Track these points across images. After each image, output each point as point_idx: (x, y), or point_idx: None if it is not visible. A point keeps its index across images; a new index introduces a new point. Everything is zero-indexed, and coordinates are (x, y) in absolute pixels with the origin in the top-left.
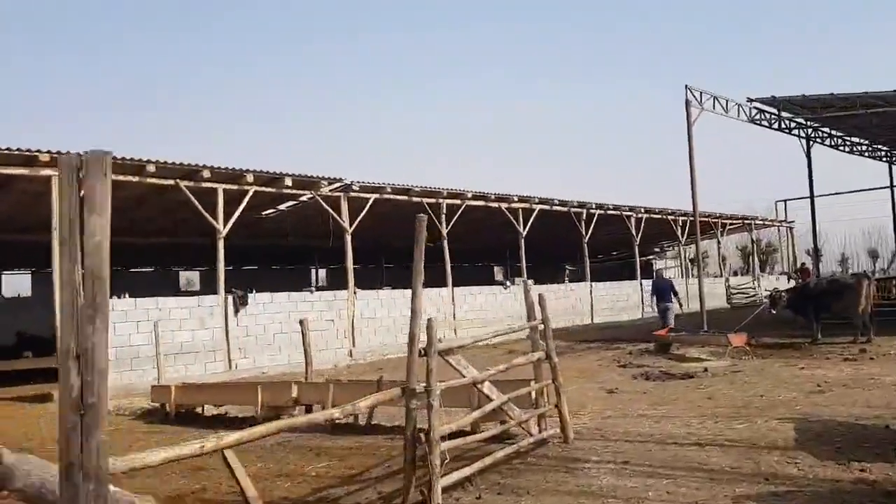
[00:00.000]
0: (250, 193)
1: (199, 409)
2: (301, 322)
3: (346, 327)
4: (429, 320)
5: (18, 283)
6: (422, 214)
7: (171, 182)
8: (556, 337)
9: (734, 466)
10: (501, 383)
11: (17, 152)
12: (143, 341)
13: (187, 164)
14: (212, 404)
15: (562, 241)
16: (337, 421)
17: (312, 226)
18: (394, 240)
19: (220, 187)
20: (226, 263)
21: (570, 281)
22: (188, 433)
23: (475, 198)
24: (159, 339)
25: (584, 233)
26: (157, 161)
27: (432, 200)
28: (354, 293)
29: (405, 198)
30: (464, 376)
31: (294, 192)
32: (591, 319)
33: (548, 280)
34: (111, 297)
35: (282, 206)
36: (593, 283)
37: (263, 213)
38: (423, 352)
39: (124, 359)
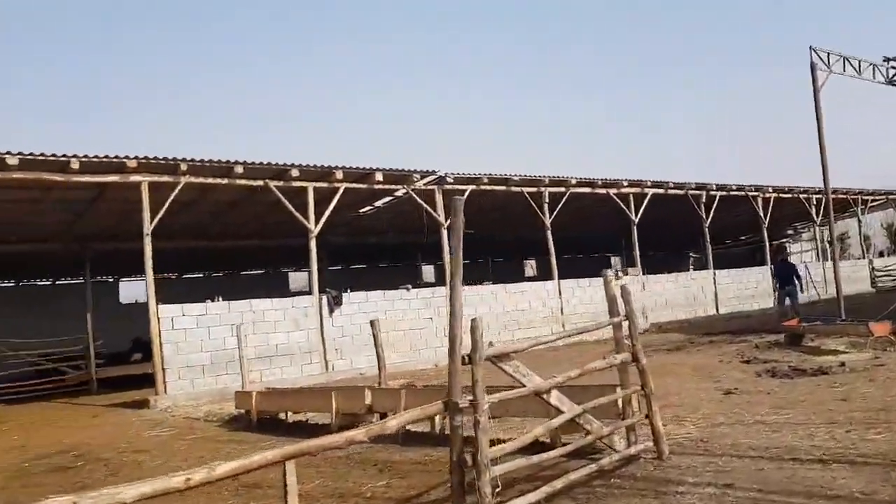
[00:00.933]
0: (341, 191)
1: (282, 416)
2: (372, 322)
3: (445, 325)
4: (473, 321)
5: (137, 290)
6: (458, 196)
7: (261, 183)
8: (674, 330)
9: (867, 492)
10: (581, 390)
11: (105, 159)
12: (238, 343)
13: (275, 164)
14: (291, 411)
15: (682, 227)
16: (409, 430)
17: (410, 221)
18: (497, 232)
19: (311, 186)
20: (328, 263)
21: (696, 269)
22: (264, 442)
23: (580, 184)
24: (243, 342)
25: (704, 217)
26: (244, 162)
27: (533, 189)
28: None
29: (504, 188)
30: (524, 385)
31: (386, 187)
32: (716, 309)
33: (670, 268)
34: (205, 300)
35: (378, 203)
36: (717, 271)
37: (360, 210)
38: (467, 358)
39: (220, 362)
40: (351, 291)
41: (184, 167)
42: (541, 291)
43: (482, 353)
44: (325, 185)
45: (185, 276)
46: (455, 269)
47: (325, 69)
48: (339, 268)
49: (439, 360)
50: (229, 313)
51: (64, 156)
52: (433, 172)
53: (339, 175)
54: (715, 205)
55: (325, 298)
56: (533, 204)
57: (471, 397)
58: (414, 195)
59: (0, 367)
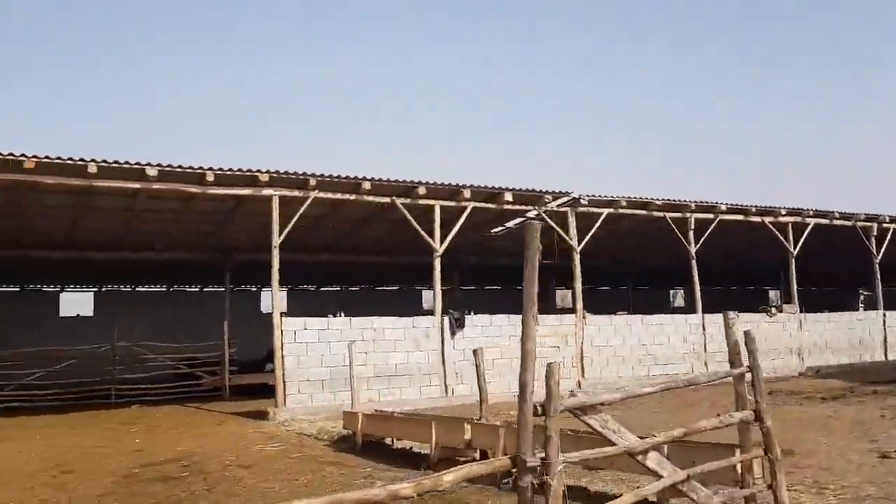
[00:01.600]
0: (468, 210)
1: (388, 440)
2: (475, 352)
3: (573, 355)
4: (548, 366)
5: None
6: (535, 222)
7: (388, 200)
8: (834, 375)
9: None
10: (691, 449)
11: (239, 173)
12: (357, 361)
13: (402, 181)
14: (394, 437)
15: (849, 261)
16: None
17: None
18: (637, 258)
19: (437, 204)
20: (460, 282)
21: (865, 308)
22: (362, 469)
23: (731, 211)
24: (359, 360)
25: (874, 251)
26: (372, 178)
27: (677, 215)
28: (583, 317)
29: (644, 212)
30: (613, 443)
31: (516, 207)
32: (885, 355)
33: (834, 307)
34: (339, 313)
35: (509, 224)
36: (887, 312)
37: (492, 230)
38: (539, 408)
39: (338, 378)
40: (474, 314)
41: (313, 182)
42: (682, 325)
43: (558, 404)
44: (452, 203)
45: (322, 289)
46: (528, 303)
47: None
48: (473, 288)
49: (565, 393)
50: (350, 329)
51: (200, 168)
52: (566, 193)
53: (467, 194)
54: (888, 238)
55: (447, 320)
56: (676, 230)
57: (543, 455)
58: (545, 217)
59: (143, 369)
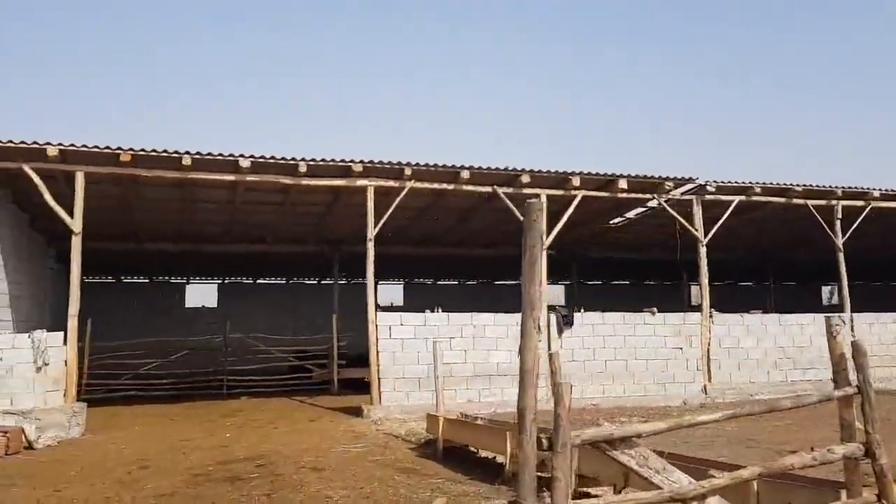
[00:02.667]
0: (577, 199)
1: (473, 447)
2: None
3: (698, 357)
4: (556, 386)
5: (394, 294)
6: (534, 200)
7: (489, 189)
8: None
9: None
10: (784, 488)
11: (333, 163)
12: (456, 359)
13: (503, 169)
14: (471, 444)
15: None
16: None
17: (666, 236)
18: (777, 251)
19: (543, 193)
20: (579, 277)
21: None
22: (435, 479)
23: (886, 197)
24: (439, 358)
25: None
26: (470, 167)
27: (821, 202)
28: (710, 316)
29: (782, 199)
30: (655, 485)
31: (632, 196)
32: None
33: None
34: (425, 310)
35: (630, 214)
36: None
37: (611, 222)
38: (546, 443)
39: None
40: (584, 311)
41: (408, 172)
42: (816, 328)
43: (568, 437)
44: (559, 192)
45: (439, 283)
46: (526, 306)
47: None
48: (595, 283)
49: (689, 398)
50: (448, 325)
51: (293, 159)
52: (690, 180)
53: (576, 181)
54: None
55: (553, 317)
56: (820, 219)
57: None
58: (665, 205)
59: (256, 361)
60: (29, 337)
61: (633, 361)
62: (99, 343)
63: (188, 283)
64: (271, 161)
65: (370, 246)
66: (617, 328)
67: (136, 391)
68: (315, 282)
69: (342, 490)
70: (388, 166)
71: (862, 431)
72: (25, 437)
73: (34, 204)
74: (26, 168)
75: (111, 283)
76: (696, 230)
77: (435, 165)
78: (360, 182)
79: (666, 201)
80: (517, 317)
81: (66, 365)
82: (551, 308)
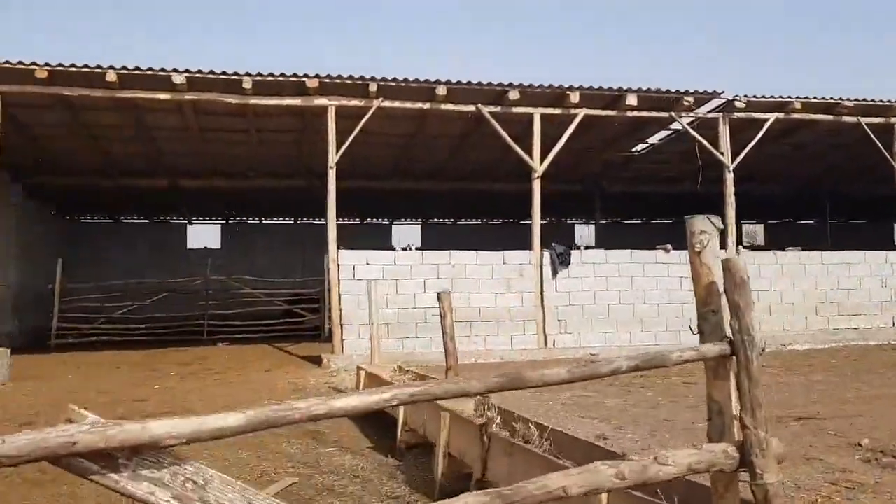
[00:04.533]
0: (578, 118)
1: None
2: (439, 296)
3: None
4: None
5: (411, 235)
6: None
7: (472, 108)
8: None
9: None
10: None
11: (283, 78)
12: (432, 303)
13: (488, 85)
14: None
15: None
16: None
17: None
18: (832, 183)
19: (537, 112)
20: (603, 215)
21: None
22: (327, 449)
23: None
24: (374, 301)
25: None
26: (448, 81)
27: (877, 120)
28: (737, 254)
29: (829, 117)
30: None
31: (644, 114)
32: None
33: None
34: (418, 248)
35: (652, 139)
36: None
37: (632, 150)
38: None
39: (408, 322)
40: (584, 248)
41: (373, 88)
42: (880, 265)
43: None
44: (556, 111)
45: (460, 223)
46: None
47: None
48: (629, 220)
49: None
50: (422, 265)
51: (236, 74)
52: (714, 94)
53: (575, 98)
54: None
55: (547, 255)
56: (878, 142)
57: None
58: (687, 126)
59: (242, 305)
60: None
61: (641, 306)
62: (72, 285)
63: (190, 224)
64: (211, 76)
65: (331, 175)
66: (623, 268)
67: (109, 336)
68: (324, 222)
69: (209, 458)
70: (349, 82)
71: (739, 420)
72: None
73: None
74: None
75: (110, 224)
76: (722, 154)
77: (406, 80)
78: (319, 101)
79: (690, 123)
80: (505, 255)
81: None
82: (547, 246)
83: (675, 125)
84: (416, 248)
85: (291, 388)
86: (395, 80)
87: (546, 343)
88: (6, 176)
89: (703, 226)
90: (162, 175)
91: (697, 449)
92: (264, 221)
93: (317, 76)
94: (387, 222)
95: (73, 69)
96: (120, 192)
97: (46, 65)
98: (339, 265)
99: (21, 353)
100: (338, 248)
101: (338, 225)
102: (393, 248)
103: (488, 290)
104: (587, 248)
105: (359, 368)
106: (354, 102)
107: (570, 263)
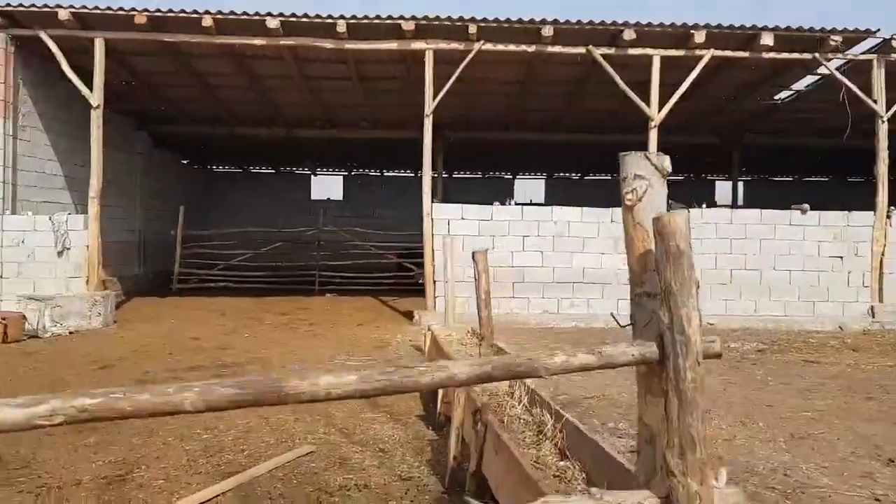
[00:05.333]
0: (704, 60)
1: None
2: (473, 256)
3: (866, 270)
4: None
5: (533, 189)
6: None
7: (581, 50)
8: None
9: None
10: None
11: (377, 21)
12: (530, 262)
13: (600, 24)
14: None
15: None
16: None
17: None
18: None
19: (657, 54)
20: (745, 171)
21: None
22: (376, 414)
23: None
24: (451, 256)
25: None
26: (555, 21)
27: None
28: (888, 217)
29: None
30: None
31: (782, 56)
32: None
33: None
34: (494, 202)
35: (797, 86)
36: None
37: (776, 97)
38: None
39: (505, 282)
40: (706, 206)
41: (473, 29)
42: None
43: None
44: (678, 52)
45: (587, 178)
46: None
47: None
48: (773, 177)
49: (847, 322)
50: (521, 221)
51: (330, 17)
52: (868, 33)
53: (700, 37)
54: None
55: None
56: None
57: None
58: (833, 71)
59: (356, 256)
60: (49, 219)
61: (770, 272)
62: (193, 232)
63: (314, 175)
64: (305, 20)
65: (427, 124)
66: (750, 229)
67: (226, 282)
68: (447, 175)
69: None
70: (447, 24)
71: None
72: (28, 323)
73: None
74: (42, 35)
75: (237, 173)
76: (875, 101)
77: (508, 21)
78: (416, 45)
79: (839, 67)
80: (612, 212)
81: (87, 250)
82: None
83: (823, 69)
84: (530, 203)
85: (374, 345)
86: (496, 20)
87: None
88: (132, 124)
89: (637, 167)
90: (279, 125)
91: (595, 500)
92: (385, 174)
93: (413, 18)
94: (509, 176)
95: (171, 14)
96: (239, 141)
97: (145, 10)
98: (432, 219)
99: (143, 297)
100: (432, 201)
101: (459, 178)
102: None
103: (594, 249)
104: (723, 206)
105: (429, 329)
106: (454, 46)
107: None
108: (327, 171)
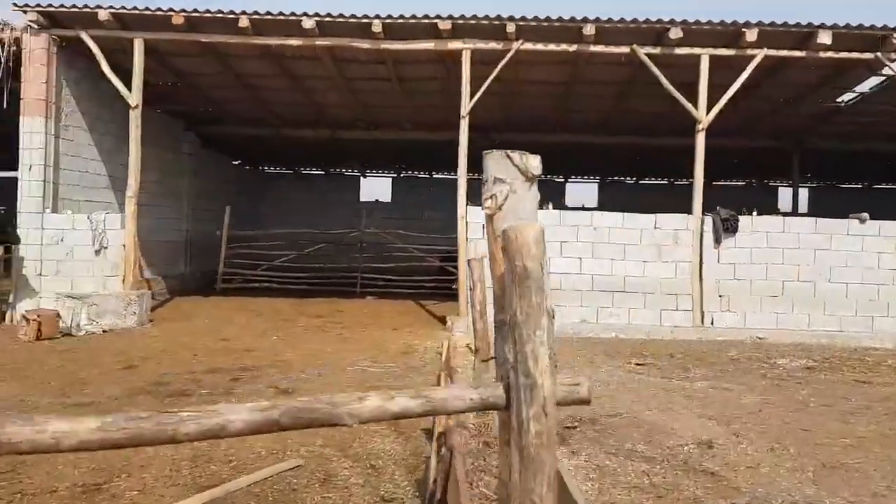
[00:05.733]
0: (756, 60)
1: None
2: (469, 263)
3: None
4: None
5: (585, 194)
6: None
7: (625, 49)
8: None
9: None
10: None
11: (413, 20)
12: (568, 268)
13: (645, 22)
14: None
15: None
16: None
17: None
18: None
19: (705, 53)
20: (806, 177)
21: None
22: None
23: None
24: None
25: None
26: (597, 19)
27: None
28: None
29: None
30: None
31: (840, 56)
32: None
33: None
34: (588, 208)
35: (861, 87)
36: None
37: (838, 99)
38: None
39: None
40: (756, 214)
41: (511, 28)
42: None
43: None
44: (729, 52)
45: (641, 182)
46: None
47: None
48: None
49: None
50: (559, 225)
51: (366, 17)
52: None
53: (752, 36)
54: None
55: (709, 221)
56: None
57: None
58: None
59: (397, 261)
60: (88, 218)
61: (825, 284)
62: (236, 232)
63: (363, 177)
64: (340, 20)
65: (463, 125)
66: (804, 238)
67: (270, 283)
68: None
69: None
70: (485, 23)
71: None
72: (62, 321)
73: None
74: (83, 35)
75: (287, 174)
76: None
77: (548, 19)
78: (453, 44)
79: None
80: (656, 218)
81: (124, 249)
82: (711, 210)
83: (887, 70)
84: (582, 208)
85: (401, 350)
86: (535, 19)
87: (703, 321)
88: (180, 125)
89: (498, 169)
90: (323, 126)
91: None
92: (434, 175)
93: (450, 17)
94: (560, 180)
95: (207, 14)
96: (286, 142)
97: (182, 10)
98: (467, 222)
99: (187, 296)
100: (466, 204)
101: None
102: (565, 208)
103: (635, 257)
104: (781, 213)
105: (448, 337)
106: (492, 45)
107: (736, 230)
108: (376, 173)
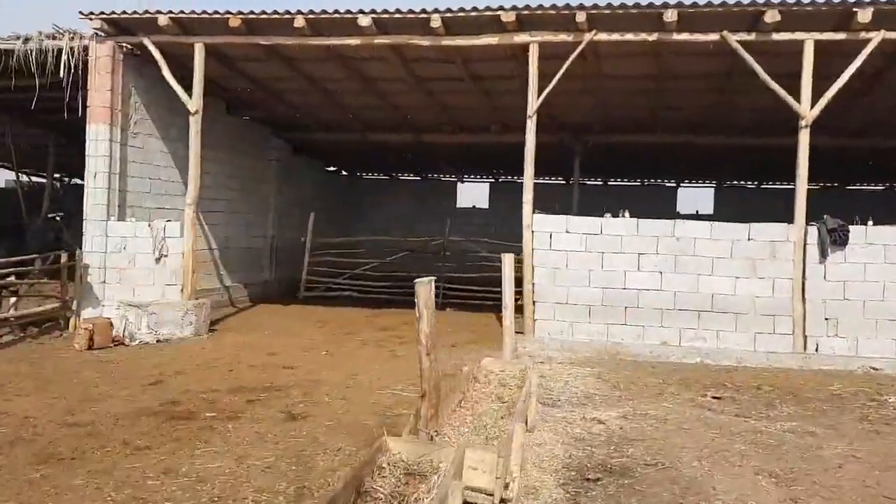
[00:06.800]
0: (872, 44)
1: None
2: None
3: None
4: None
5: (699, 198)
6: None
7: (715, 37)
8: None
9: None
10: None
11: (474, 13)
12: (647, 284)
13: (736, 4)
14: None
15: None
16: None
17: None
18: None
19: (810, 38)
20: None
21: None
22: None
23: None
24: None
25: None
26: (679, 3)
27: None
28: None
29: None
30: None
31: None
32: None
33: None
34: (595, 214)
35: None
36: None
37: None
38: None
39: (616, 306)
40: (871, 224)
41: (582, 17)
42: None
43: None
44: (838, 36)
45: (764, 186)
46: None
47: None
48: None
49: None
50: (636, 236)
51: (424, 11)
52: None
53: (865, 16)
54: None
55: (814, 231)
56: None
57: None
58: None
59: (480, 270)
60: (149, 225)
61: None
62: (320, 239)
63: (461, 182)
64: (397, 16)
65: (530, 125)
66: None
67: (350, 291)
68: (600, 182)
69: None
70: (552, 12)
71: None
72: (115, 330)
73: (237, 89)
74: (146, 41)
75: (383, 181)
76: None
77: (623, 6)
78: (519, 38)
79: None
80: (750, 227)
81: (182, 258)
82: (817, 219)
83: None
84: (696, 215)
85: (450, 374)
86: (609, 5)
87: (805, 347)
88: (267, 131)
89: None
90: (406, 130)
91: None
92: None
93: (514, 8)
94: (671, 184)
95: (263, 16)
96: (373, 147)
97: (239, 13)
98: (533, 231)
99: (269, 303)
100: (533, 212)
101: (610, 185)
102: (678, 214)
103: (725, 272)
104: (859, 222)
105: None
106: (561, 37)
107: (847, 243)
108: (473, 177)
